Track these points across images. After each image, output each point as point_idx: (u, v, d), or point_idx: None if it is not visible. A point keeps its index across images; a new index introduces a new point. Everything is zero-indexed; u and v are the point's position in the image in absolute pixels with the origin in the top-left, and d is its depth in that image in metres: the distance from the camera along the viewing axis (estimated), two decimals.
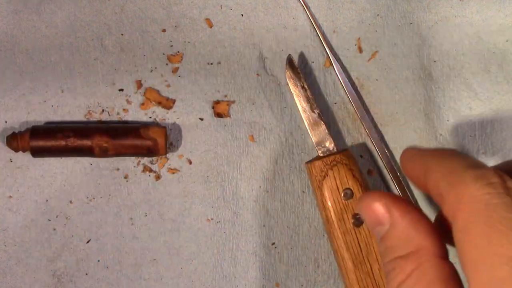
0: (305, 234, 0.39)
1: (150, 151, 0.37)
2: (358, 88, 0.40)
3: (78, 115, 0.39)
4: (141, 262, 0.39)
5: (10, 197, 0.38)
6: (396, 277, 0.27)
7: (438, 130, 0.40)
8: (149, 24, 0.39)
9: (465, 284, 0.26)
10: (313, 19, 0.39)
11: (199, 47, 0.39)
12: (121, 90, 0.39)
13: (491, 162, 0.39)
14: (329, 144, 0.38)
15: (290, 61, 0.38)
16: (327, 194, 0.36)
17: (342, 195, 0.36)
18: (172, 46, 0.39)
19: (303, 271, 0.39)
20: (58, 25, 0.39)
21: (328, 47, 0.39)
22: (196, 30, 0.39)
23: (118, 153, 0.37)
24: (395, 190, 0.39)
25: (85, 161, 0.39)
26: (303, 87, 0.38)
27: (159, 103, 0.39)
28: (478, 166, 0.27)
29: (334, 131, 0.40)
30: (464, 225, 0.26)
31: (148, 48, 0.39)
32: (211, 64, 0.39)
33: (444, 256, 0.27)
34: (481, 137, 0.40)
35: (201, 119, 0.39)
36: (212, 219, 0.39)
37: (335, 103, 0.40)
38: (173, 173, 0.39)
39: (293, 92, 0.38)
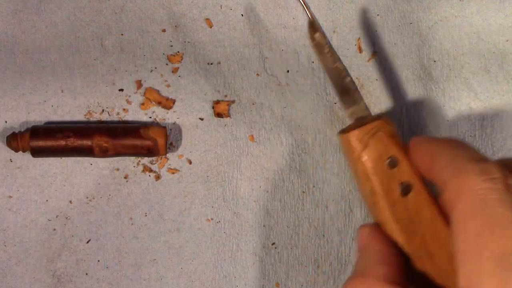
0: (305, 234, 0.39)
1: (150, 151, 0.37)
2: (358, 88, 0.40)
3: (78, 115, 0.39)
4: (141, 262, 0.39)
5: (10, 197, 0.38)
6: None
7: (438, 130, 0.40)
8: (149, 24, 0.39)
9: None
10: (313, 19, 0.39)
11: (199, 47, 0.39)
12: (121, 90, 0.39)
13: None
14: (365, 111, 0.35)
15: (312, 24, 0.35)
16: (370, 165, 0.33)
17: (387, 163, 0.33)
18: (172, 46, 0.39)
19: (303, 271, 0.39)
20: (58, 25, 0.39)
21: None
22: (196, 30, 0.39)
23: (118, 153, 0.37)
24: None
25: (85, 161, 0.39)
26: (330, 50, 0.35)
27: (159, 103, 0.39)
28: (482, 159, 0.27)
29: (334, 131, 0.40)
30: (461, 216, 0.26)
31: (148, 48, 0.39)
32: (211, 64, 0.39)
33: (391, 281, 0.29)
34: (481, 137, 0.40)
35: (201, 119, 0.39)
36: (212, 219, 0.39)
37: (335, 103, 0.40)
38: (173, 173, 0.39)
39: (319, 56, 0.35)
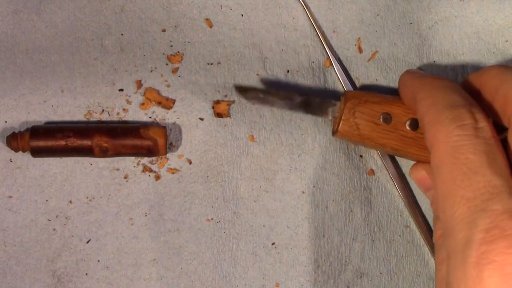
0: (305, 234, 0.39)
1: (150, 151, 0.37)
2: (358, 88, 0.40)
3: (78, 115, 0.39)
4: (141, 262, 0.39)
5: (10, 197, 0.38)
6: (438, 231, 0.32)
7: None
8: (149, 24, 0.39)
9: None
10: (313, 19, 0.39)
11: (199, 47, 0.39)
12: (121, 90, 0.39)
13: None
14: (335, 106, 0.37)
15: (237, 89, 0.38)
16: (373, 134, 0.36)
17: (382, 121, 0.36)
18: (172, 46, 0.39)
19: (303, 271, 0.39)
20: (58, 25, 0.39)
21: (328, 47, 0.39)
22: (196, 30, 0.39)
23: (118, 153, 0.37)
24: (395, 190, 0.39)
25: (85, 161, 0.39)
26: (264, 92, 0.37)
27: (159, 103, 0.39)
28: (456, 104, 0.29)
29: None
30: (437, 164, 0.28)
31: (148, 48, 0.39)
32: (211, 64, 0.39)
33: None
34: None
35: (201, 119, 0.39)
36: (212, 219, 0.39)
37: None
38: (173, 173, 0.39)
39: (264, 103, 0.38)
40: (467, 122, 0.28)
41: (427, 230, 0.39)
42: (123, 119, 0.39)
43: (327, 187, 0.39)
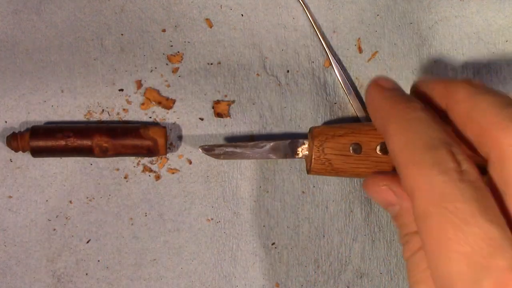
0: (305, 234, 0.39)
1: (150, 151, 0.37)
2: (358, 88, 0.40)
3: (78, 115, 0.39)
4: (141, 262, 0.39)
5: (10, 197, 0.38)
6: (409, 249, 0.28)
7: None
8: (149, 24, 0.39)
9: None
10: (313, 19, 0.39)
11: (199, 47, 0.39)
12: (121, 90, 0.39)
13: None
14: (304, 145, 0.37)
15: (203, 150, 0.38)
16: (344, 166, 0.36)
17: (352, 152, 0.36)
18: (172, 46, 0.39)
19: (303, 271, 0.39)
20: (58, 25, 0.39)
21: (328, 47, 0.39)
22: (196, 30, 0.39)
23: (118, 153, 0.37)
24: None
25: (85, 161, 0.39)
26: (232, 148, 0.38)
27: (159, 103, 0.39)
28: (435, 144, 0.26)
29: None
30: (422, 213, 0.25)
31: (148, 48, 0.39)
32: (211, 64, 0.39)
33: None
34: None
35: (201, 119, 0.39)
36: (212, 219, 0.39)
37: (335, 103, 0.40)
38: (173, 173, 0.39)
39: (233, 158, 0.38)
40: (450, 165, 0.24)
41: None
42: (123, 119, 0.39)
43: (327, 187, 0.39)
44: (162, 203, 0.39)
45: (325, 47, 0.39)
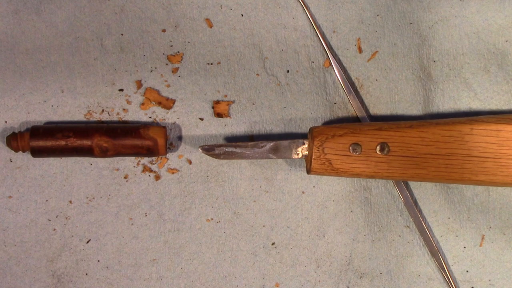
0: (305, 234, 0.39)
1: (150, 151, 0.37)
2: (358, 88, 0.40)
3: (78, 115, 0.39)
4: (141, 262, 0.39)
5: (10, 197, 0.38)
6: None
7: None
8: (149, 24, 0.39)
9: None
10: (313, 19, 0.39)
11: (199, 47, 0.39)
12: (121, 90, 0.39)
13: None
14: (303, 145, 0.37)
15: (203, 150, 0.37)
16: (343, 167, 0.36)
17: (351, 152, 0.36)
18: (172, 46, 0.39)
19: (303, 271, 0.39)
20: (58, 25, 0.39)
21: (328, 47, 0.39)
22: (196, 30, 0.39)
23: (118, 153, 0.37)
24: (395, 190, 0.39)
25: (85, 161, 0.39)
26: (230, 148, 0.37)
27: (159, 103, 0.39)
28: None
29: None
30: None
31: (148, 48, 0.39)
32: (211, 64, 0.39)
33: None
34: None
35: (201, 119, 0.39)
36: (212, 219, 0.39)
37: (335, 103, 0.40)
38: (173, 173, 0.39)
39: (233, 158, 0.38)
40: None
41: (427, 230, 0.39)
42: (123, 119, 0.39)
43: (327, 187, 0.39)
44: (162, 203, 0.39)
45: (325, 47, 0.39)
